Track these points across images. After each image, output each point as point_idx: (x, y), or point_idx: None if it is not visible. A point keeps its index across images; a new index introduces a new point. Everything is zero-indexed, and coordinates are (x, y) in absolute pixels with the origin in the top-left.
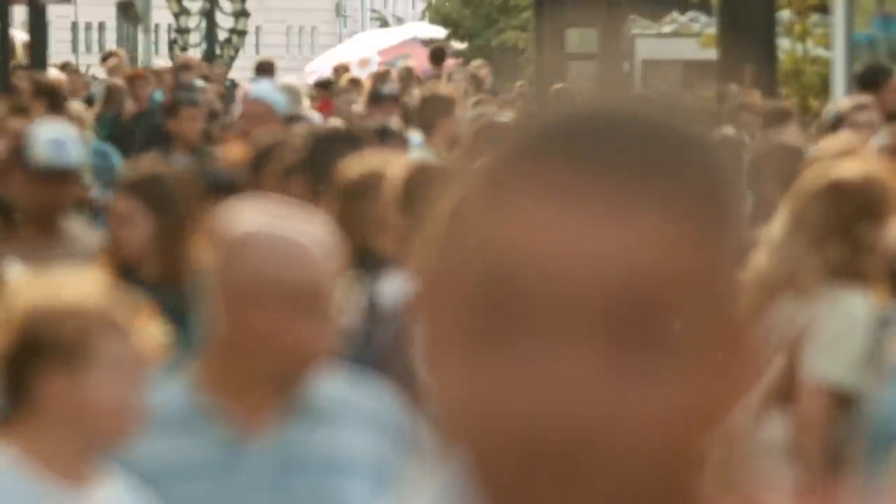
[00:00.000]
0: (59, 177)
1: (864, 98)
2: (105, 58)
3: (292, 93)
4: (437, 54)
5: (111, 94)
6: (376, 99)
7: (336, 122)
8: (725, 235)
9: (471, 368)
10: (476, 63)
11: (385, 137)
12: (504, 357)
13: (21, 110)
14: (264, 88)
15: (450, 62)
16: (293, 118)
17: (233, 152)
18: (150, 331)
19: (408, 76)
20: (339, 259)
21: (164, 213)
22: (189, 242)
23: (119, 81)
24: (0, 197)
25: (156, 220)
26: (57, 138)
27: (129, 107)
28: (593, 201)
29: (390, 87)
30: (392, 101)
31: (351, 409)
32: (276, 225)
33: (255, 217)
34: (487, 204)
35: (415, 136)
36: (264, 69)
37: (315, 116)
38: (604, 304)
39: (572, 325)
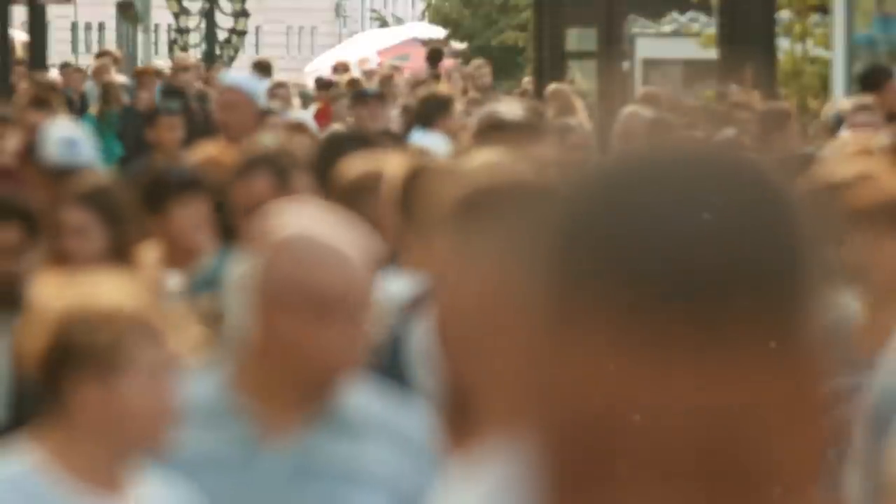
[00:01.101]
0: (70, 176)
1: (866, 99)
2: (98, 56)
3: (281, 91)
4: (434, 55)
5: (108, 91)
6: (360, 98)
7: (338, 126)
8: (811, 338)
9: None
10: (476, 62)
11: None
12: None
13: (41, 103)
14: (240, 76)
15: (449, 62)
16: (266, 112)
17: (208, 151)
18: (184, 333)
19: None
20: (374, 267)
21: (117, 224)
22: (137, 253)
23: (112, 79)
24: (23, 203)
25: (108, 231)
26: (69, 137)
27: (146, 99)
28: (676, 342)
29: (373, 86)
30: (377, 100)
31: (378, 424)
32: (313, 231)
33: (293, 222)
34: (562, 342)
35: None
36: (261, 68)
37: (304, 116)
38: (697, 452)
39: (668, 478)
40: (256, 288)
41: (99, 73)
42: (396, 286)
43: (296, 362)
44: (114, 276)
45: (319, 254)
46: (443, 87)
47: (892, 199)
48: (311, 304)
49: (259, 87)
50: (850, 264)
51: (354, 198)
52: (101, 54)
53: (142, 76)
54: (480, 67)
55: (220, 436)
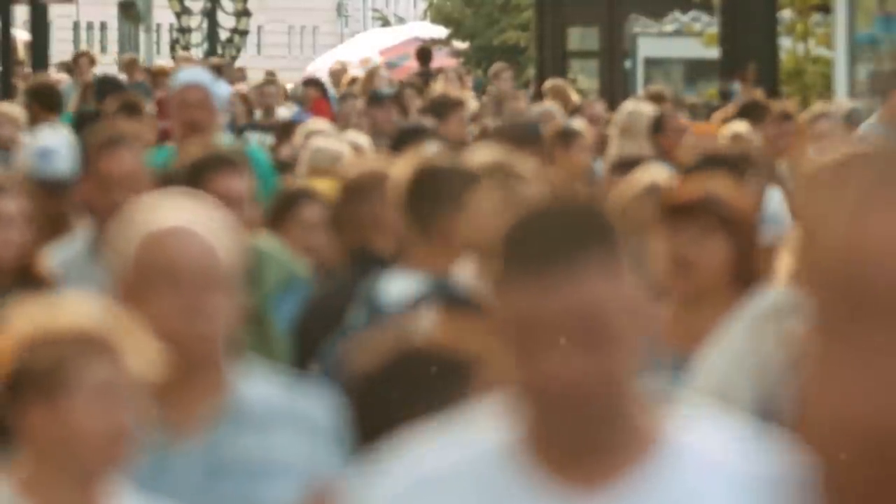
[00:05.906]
0: (48, 187)
1: (825, 106)
2: (76, 58)
3: (270, 89)
4: (424, 55)
5: (87, 91)
6: (377, 99)
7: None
8: None
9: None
10: (498, 65)
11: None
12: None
13: (131, 108)
14: (197, 72)
15: (449, 62)
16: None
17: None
18: (141, 349)
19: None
20: (235, 247)
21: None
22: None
23: (90, 79)
24: None
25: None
26: (46, 148)
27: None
28: None
29: (389, 88)
30: (392, 101)
31: (281, 413)
32: (163, 216)
33: (146, 214)
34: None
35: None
36: (215, 71)
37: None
38: None
39: None
40: (120, 279)
41: (79, 73)
42: (399, 285)
43: (172, 338)
44: (72, 296)
45: (168, 232)
46: (439, 87)
47: (712, 197)
48: (166, 277)
49: (218, 84)
50: (665, 262)
51: (354, 198)
52: (79, 56)
53: (156, 78)
54: (503, 71)
55: None
